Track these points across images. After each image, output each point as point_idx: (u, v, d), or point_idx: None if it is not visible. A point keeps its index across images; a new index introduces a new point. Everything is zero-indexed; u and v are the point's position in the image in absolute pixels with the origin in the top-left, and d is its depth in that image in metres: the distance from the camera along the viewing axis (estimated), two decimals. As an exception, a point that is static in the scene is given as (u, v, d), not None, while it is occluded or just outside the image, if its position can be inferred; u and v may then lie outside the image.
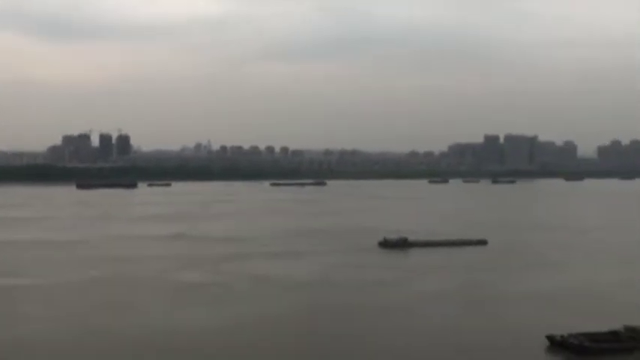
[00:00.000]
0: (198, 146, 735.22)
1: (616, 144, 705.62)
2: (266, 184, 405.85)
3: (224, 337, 72.84)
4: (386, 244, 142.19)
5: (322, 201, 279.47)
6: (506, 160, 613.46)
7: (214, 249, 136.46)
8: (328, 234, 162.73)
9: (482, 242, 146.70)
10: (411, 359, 66.40)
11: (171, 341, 70.86)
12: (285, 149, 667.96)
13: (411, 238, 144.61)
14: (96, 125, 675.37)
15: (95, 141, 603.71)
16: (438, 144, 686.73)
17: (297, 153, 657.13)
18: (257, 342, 70.97)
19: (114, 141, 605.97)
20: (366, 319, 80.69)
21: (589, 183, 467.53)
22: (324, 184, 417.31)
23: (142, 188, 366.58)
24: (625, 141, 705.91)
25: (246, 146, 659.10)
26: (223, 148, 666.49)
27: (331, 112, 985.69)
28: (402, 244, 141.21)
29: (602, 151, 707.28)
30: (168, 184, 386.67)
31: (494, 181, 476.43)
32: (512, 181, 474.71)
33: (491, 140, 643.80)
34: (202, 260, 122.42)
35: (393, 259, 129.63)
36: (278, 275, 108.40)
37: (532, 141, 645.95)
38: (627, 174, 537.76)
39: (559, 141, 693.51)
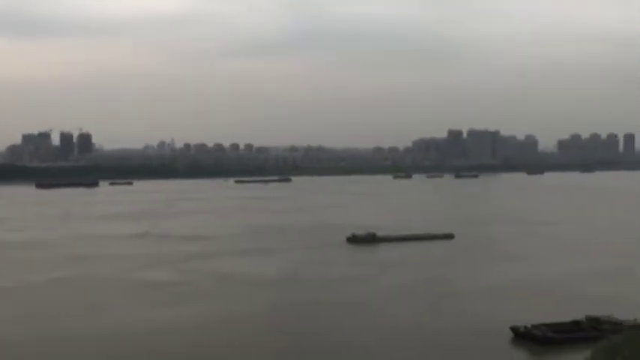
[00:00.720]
0: (161, 144, 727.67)
1: (576, 138, 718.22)
2: (231, 181, 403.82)
3: (190, 336, 72.36)
4: (354, 240, 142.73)
5: (287, 198, 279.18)
6: (470, 154, 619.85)
7: (179, 247, 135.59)
8: (295, 231, 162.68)
9: (449, 236, 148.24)
10: (377, 354, 66.78)
11: (137, 341, 70.25)
12: (249, 146, 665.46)
13: (380, 233, 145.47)
14: (56, 124, 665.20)
15: (56, 140, 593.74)
16: (402, 139, 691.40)
17: (262, 150, 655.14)
18: (223, 341, 70.71)
19: (75, 140, 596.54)
20: (333, 316, 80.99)
21: (550, 176, 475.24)
22: (288, 180, 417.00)
23: (104, 187, 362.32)
24: (585, 135, 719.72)
25: (210, 144, 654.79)
26: (187, 146, 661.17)
27: (296, 108, 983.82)
28: (370, 240, 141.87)
29: (562, 144, 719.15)
30: (130, 183, 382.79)
31: (458, 176, 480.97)
32: (475, 176, 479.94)
33: (454, 135, 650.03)
34: (167, 259, 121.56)
35: (362, 255, 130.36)
36: (245, 273, 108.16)
37: (494, 136, 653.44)
38: (587, 167, 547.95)
39: (521, 135, 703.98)
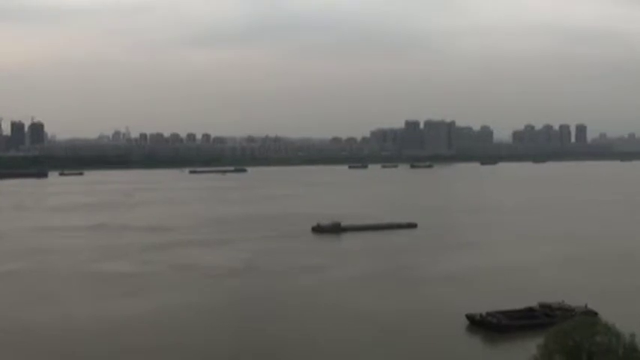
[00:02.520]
0: (116, 134, 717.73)
1: (529, 128, 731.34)
2: (187, 172, 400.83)
3: (146, 328, 71.89)
4: (319, 230, 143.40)
5: (245, 188, 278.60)
6: (426, 145, 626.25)
7: (137, 239, 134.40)
8: (258, 221, 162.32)
9: (412, 225, 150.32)
10: (333, 341, 67.21)
11: (91, 332, 69.56)
12: (207, 136, 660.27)
13: (344, 223, 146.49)
14: (7, 112, 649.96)
15: (7, 129, 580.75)
16: (360, 130, 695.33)
17: (219, 140, 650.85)
18: (179, 333, 69.98)
19: (26, 129, 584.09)
20: (294, 305, 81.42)
21: (503, 166, 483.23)
22: (244, 170, 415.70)
23: (53, 178, 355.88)
24: (538, 126, 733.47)
25: (166, 134, 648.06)
26: (143, 136, 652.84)
27: (254, 98, 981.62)
28: (335, 229, 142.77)
29: (516, 135, 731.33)
30: (81, 173, 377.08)
31: (413, 166, 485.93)
32: (430, 166, 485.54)
33: (411, 126, 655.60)
34: (126, 250, 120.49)
35: (327, 244, 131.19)
36: (207, 264, 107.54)
37: (450, 126, 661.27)
38: (539, 157, 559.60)
39: (476, 126, 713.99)
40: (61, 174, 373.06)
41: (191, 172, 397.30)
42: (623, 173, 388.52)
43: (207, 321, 74.44)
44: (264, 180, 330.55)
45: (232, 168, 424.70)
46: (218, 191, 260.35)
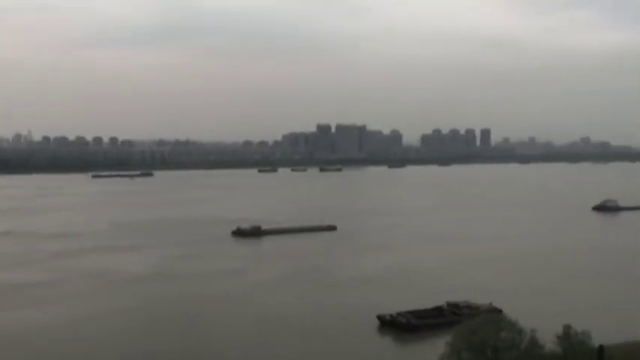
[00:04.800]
0: (17, 137, 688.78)
1: (437, 133, 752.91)
2: (90, 176, 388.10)
3: (55, 337, 70.04)
4: (240, 233, 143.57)
5: (155, 192, 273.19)
6: (338, 148, 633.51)
7: (45, 245, 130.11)
8: (171, 226, 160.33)
9: (332, 228, 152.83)
10: (247, 345, 67.38)
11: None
12: (114, 140, 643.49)
13: (265, 226, 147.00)
14: None
15: None
16: (272, 133, 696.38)
17: (127, 144, 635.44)
18: (88, 342, 68.65)
19: None
20: (207, 310, 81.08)
21: (410, 169, 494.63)
22: (150, 174, 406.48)
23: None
24: (445, 130, 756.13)
25: (71, 137, 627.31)
26: (46, 139, 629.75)
27: (165, 101, 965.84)
28: (255, 233, 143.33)
29: (424, 139, 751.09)
30: None
31: (322, 169, 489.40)
32: (339, 169, 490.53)
33: (323, 129, 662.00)
34: (32, 258, 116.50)
35: (246, 248, 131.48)
36: (119, 270, 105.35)
37: (361, 130, 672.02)
38: (445, 160, 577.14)
39: (386, 130, 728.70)
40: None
41: (94, 176, 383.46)
42: (522, 176, 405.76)
43: (117, 330, 72.92)
44: (174, 184, 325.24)
45: (138, 172, 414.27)
46: (126, 196, 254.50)
